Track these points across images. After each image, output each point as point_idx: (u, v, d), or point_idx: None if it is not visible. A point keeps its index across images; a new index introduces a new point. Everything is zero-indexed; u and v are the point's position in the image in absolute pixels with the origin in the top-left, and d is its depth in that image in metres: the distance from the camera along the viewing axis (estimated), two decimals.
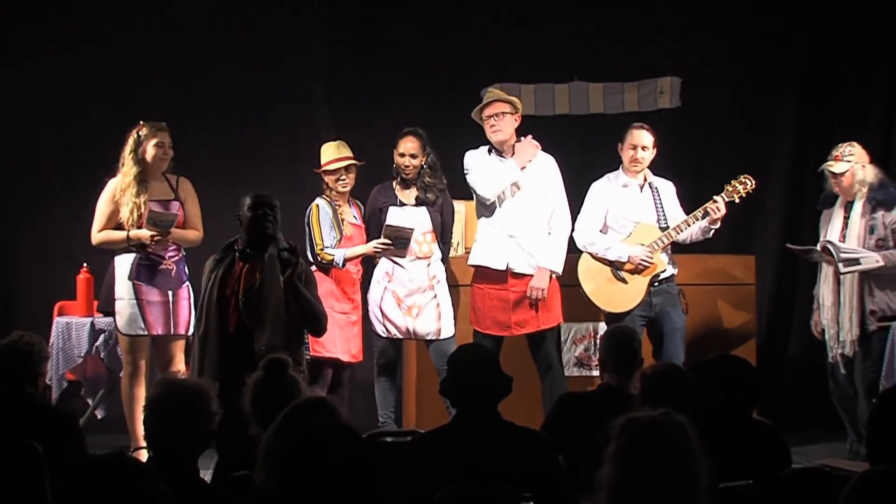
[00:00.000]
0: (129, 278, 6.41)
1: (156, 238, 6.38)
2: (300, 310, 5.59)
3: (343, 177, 6.60)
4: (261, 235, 5.56)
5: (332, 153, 6.64)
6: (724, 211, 6.51)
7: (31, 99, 7.68)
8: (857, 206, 6.69)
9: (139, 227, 6.39)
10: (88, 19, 7.63)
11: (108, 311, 6.50)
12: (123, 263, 6.45)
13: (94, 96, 7.65)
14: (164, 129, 6.53)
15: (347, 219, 6.62)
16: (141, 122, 6.50)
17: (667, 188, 6.79)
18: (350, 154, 6.64)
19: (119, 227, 6.43)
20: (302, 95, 7.83)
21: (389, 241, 6.47)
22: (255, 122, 7.50)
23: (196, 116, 7.59)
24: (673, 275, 6.72)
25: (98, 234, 6.49)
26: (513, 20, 7.98)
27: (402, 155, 6.63)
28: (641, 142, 6.67)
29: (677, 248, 6.82)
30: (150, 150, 6.46)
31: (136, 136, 6.48)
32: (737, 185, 6.58)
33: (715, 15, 8.03)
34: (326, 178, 6.64)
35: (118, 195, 6.43)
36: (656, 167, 6.81)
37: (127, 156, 6.46)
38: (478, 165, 6.60)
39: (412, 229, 6.51)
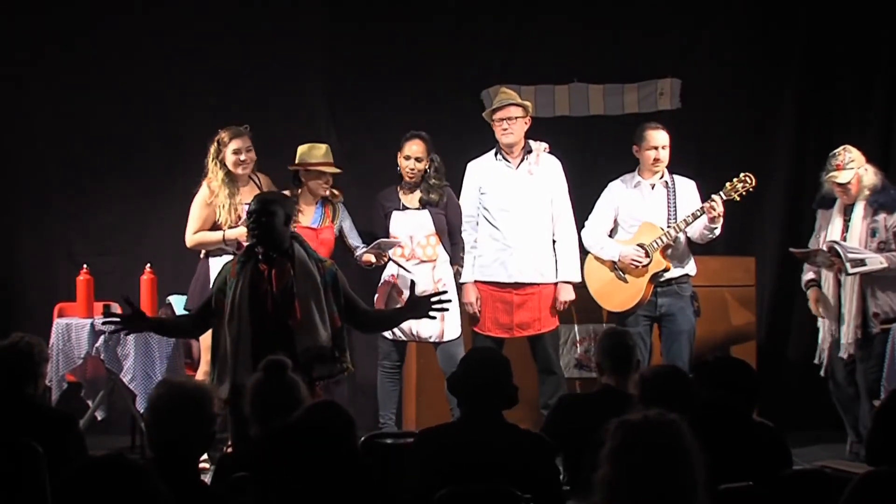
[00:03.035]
0: None
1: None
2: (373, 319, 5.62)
3: (329, 181, 6.68)
4: (258, 244, 5.30)
5: (324, 155, 6.65)
6: (720, 209, 6.51)
7: (31, 99, 7.67)
8: (858, 209, 6.65)
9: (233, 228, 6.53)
10: (87, 18, 7.62)
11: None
12: (218, 265, 6.47)
13: (93, 96, 7.64)
14: (242, 135, 6.63)
15: (302, 222, 6.58)
16: (220, 130, 6.61)
17: (686, 187, 6.78)
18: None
19: (214, 228, 6.59)
20: (301, 95, 7.83)
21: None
22: (254, 122, 7.48)
23: (195, 116, 7.59)
24: (686, 275, 6.74)
25: (193, 236, 6.63)
26: (513, 21, 7.97)
27: (407, 158, 6.61)
28: (660, 142, 6.70)
29: None
30: (228, 158, 6.60)
31: (216, 142, 6.61)
32: (736, 183, 6.59)
33: (715, 16, 8.03)
34: (307, 177, 6.66)
35: (211, 199, 6.58)
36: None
37: (210, 162, 6.61)
38: (464, 191, 6.72)
39: (397, 240, 6.56)
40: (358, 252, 6.67)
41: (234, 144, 6.59)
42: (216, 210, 6.58)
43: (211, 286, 6.42)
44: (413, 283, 5.58)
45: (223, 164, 6.59)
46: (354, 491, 2.83)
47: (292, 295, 5.23)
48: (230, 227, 6.56)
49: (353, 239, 6.77)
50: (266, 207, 5.28)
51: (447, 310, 5.64)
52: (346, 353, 5.40)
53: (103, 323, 5.67)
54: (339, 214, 6.77)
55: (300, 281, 5.26)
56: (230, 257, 6.46)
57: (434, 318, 5.49)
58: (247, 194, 6.57)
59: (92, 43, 7.64)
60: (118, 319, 5.37)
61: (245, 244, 6.37)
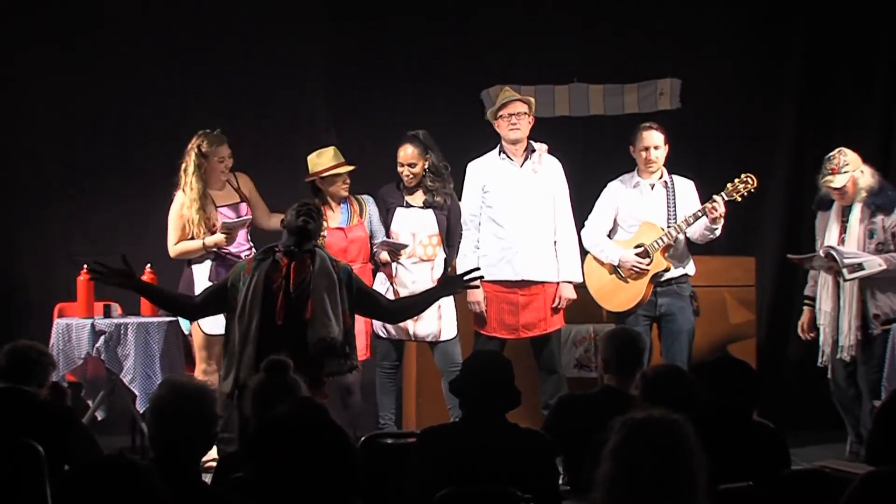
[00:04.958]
0: (210, 280, 6.45)
1: (227, 238, 6.48)
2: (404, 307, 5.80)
3: (346, 180, 6.62)
4: (301, 230, 5.40)
5: (333, 158, 6.62)
6: (722, 210, 6.51)
7: (31, 99, 7.67)
8: (856, 211, 6.63)
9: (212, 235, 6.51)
10: (87, 20, 7.62)
11: None
12: (201, 269, 6.57)
13: (93, 97, 7.64)
14: (224, 141, 6.60)
15: (331, 224, 6.58)
16: (201, 135, 6.55)
17: (685, 187, 6.79)
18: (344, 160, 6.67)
19: (194, 237, 6.54)
20: (301, 95, 7.83)
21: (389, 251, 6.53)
22: (254, 123, 7.50)
23: (195, 116, 7.58)
24: (685, 275, 6.74)
25: (175, 247, 6.59)
26: (513, 21, 7.97)
27: (401, 165, 6.62)
28: (653, 142, 6.69)
29: None
30: (215, 166, 6.56)
31: (197, 150, 6.52)
32: (738, 184, 6.59)
33: (715, 16, 8.03)
34: (324, 184, 6.60)
35: (185, 211, 6.51)
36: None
37: (191, 173, 6.51)
38: (466, 191, 6.70)
39: (406, 245, 6.54)
40: (376, 250, 6.63)
41: (220, 152, 6.56)
42: (192, 221, 6.51)
43: (195, 289, 6.47)
44: (446, 260, 5.83)
45: (202, 178, 6.51)
46: (339, 479, 2.83)
47: (308, 290, 5.31)
48: (205, 236, 6.50)
49: (378, 233, 6.70)
50: (314, 204, 5.66)
51: (478, 286, 6.10)
52: (355, 351, 5.51)
53: (89, 270, 5.60)
54: (366, 209, 6.72)
55: (318, 276, 5.36)
56: (212, 262, 6.50)
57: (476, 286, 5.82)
58: (221, 198, 6.60)
59: (92, 43, 7.64)
60: (104, 270, 5.44)
61: (227, 249, 6.41)
